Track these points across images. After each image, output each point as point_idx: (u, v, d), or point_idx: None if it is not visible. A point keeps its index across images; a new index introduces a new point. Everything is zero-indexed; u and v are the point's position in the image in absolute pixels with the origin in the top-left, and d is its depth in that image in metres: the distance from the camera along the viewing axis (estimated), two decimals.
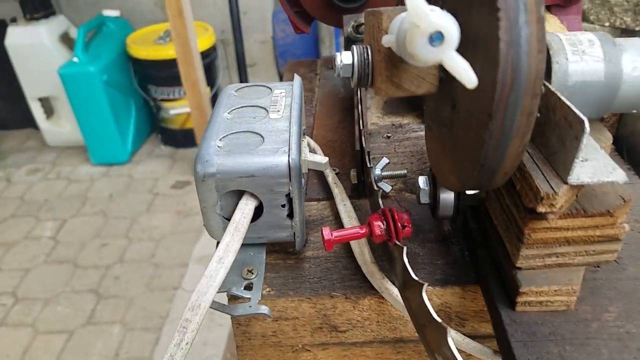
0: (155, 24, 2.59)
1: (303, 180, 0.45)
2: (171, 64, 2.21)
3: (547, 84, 0.35)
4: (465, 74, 0.27)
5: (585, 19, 1.05)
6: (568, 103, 0.32)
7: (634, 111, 0.41)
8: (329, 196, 0.54)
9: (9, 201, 2.32)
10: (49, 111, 2.59)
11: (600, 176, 0.31)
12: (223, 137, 0.43)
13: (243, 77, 2.58)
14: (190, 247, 1.99)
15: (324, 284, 0.44)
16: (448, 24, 0.27)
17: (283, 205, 0.42)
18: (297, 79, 0.53)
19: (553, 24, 0.62)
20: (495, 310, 0.38)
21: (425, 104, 0.44)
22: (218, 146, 0.42)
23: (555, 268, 0.36)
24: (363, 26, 0.67)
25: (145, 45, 2.38)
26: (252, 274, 0.44)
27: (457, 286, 0.43)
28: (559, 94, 0.33)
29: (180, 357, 0.35)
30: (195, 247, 1.99)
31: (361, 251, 0.45)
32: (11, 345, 1.64)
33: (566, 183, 0.32)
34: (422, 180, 0.44)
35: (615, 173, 0.31)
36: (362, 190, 0.54)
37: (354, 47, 0.37)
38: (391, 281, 0.42)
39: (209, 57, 2.42)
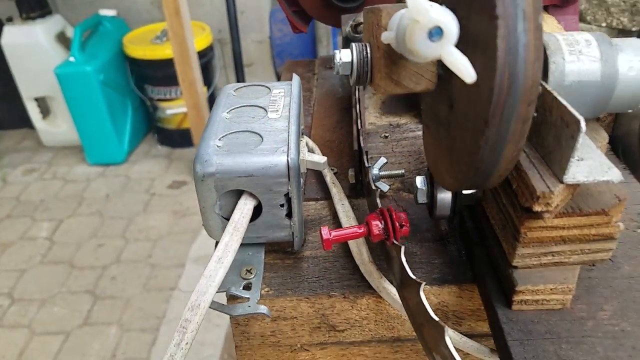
0: (151, 23, 2.59)
1: (302, 180, 0.45)
2: (168, 63, 2.20)
3: (544, 83, 0.35)
4: (464, 69, 0.27)
5: (582, 19, 1.06)
6: (564, 103, 0.32)
7: (630, 111, 0.41)
8: (327, 196, 0.54)
9: (4, 201, 2.31)
10: (45, 111, 2.59)
11: (595, 175, 0.31)
12: (222, 137, 0.43)
13: (240, 77, 2.58)
14: (187, 248, 1.98)
15: (322, 284, 0.45)
16: (447, 19, 0.27)
17: (282, 205, 0.42)
18: (295, 78, 0.53)
19: (550, 23, 0.62)
20: (492, 309, 0.39)
21: (422, 102, 0.45)
22: (217, 146, 0.42)
23: (551, 267, 0.36)
24: (361, 25, 0.67)
25: (142, 45, 2.38)
26: (251, 273, 0.44)
27: (454, 285, 0.43)
28: (555, 94, 0.33)
29: (180, 357, 0.35)
30: (192, 247, 1.99)
31: (359, 251, 0.45)
32: (7, 347, 1.64)
33: (562, 182, 0.32)
34: (419, 180, 0.45)
35: (611, 172, 0.31)
36: (360, 189, 0.55)
37: (353, 44, 0.37)
38: (389, 280, 0.43)
39: (205, 57, 2.42)
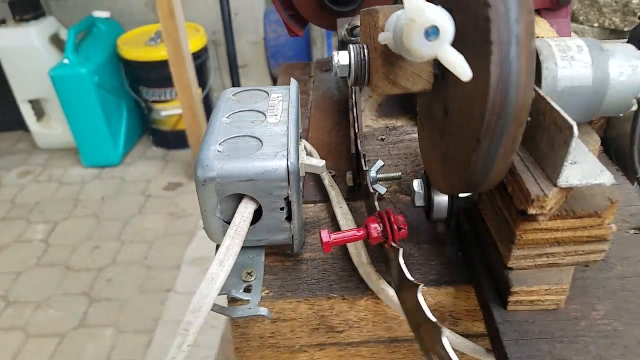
0: (145, 24, 2.58)
1: (300, 184, 0.46)
2: (162, 65, 2.20)
3: (537, 88, 0.36)
4: (460, 68, 0.28)
5: (574, 19, 1.07)
6: (557, 108, 0.33)
7: (621, 114, 0.42)
8: (325, 198, 0.55)
9: None
10: (39, 113, 2.58)
11: (588, 179, 0.32)
12: (222, 142, 0.44)
13: (234, 78, 2.58)
14: (183, 249, 1.98)
15: (322, 286, 0.45)
16: (443, 19, 0.28)
17: (282, 209, 0.43)
18: (293, 83, 0.53)
19: (543, 27, 0.63)
20: (488, 310, 0.39)
21: (419, 101, 0.46)
22: (218, 150, 0.43)
23: (545, 268, 0.37)
24: (357, 29, 0.68)
25: (136, 47, 2.38)
26: (251, 276, 0.45)
27: (451, 286, 0.44)
28: (548, 99, 0.34)
29: (182, 359, 0.36)
30: (187, 249, 1.99)
31: (358, 253, 0.46)
32: (2, 349, 1.63)
33: (556, 185, 0.33)
34: (416, 184, 0.45)
35: (603, 175, 0.32)
36: (357, 192, 0.55)
37: (351, 46, 0.38)
38: (387, 282, 0.43)
39: (200, 58, 2.42)
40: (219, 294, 0.39)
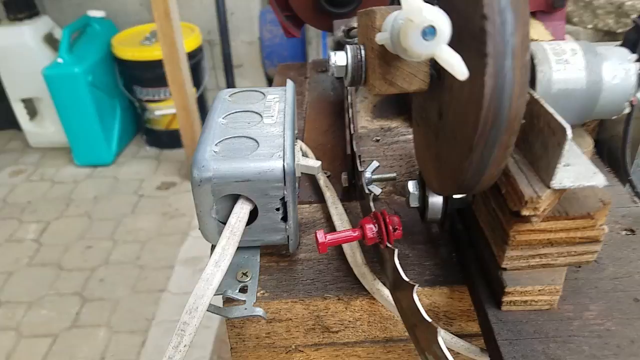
0: (140, 24, 2.57)
1: (296, 184, 0.46)
2: (157, 64, 2.19)
3: (532, 91, 0.36)
4: (457, 67, 0.28)
5: (568, 20, 1.07)
6: (551, 110, 0.33)
7: (614, 117, 0.42)
8: (320, 199, 0.55)
9: None
10: (32, 112, 2.56)
11: (581, 180, 0.33)
12: (219, 142, 0.44)
13: (229, 78, 2.58)
14: (176, 249, 1.98)
15: (317, 286, 0.45)
16: (440, 19, 0.28)
17: (277, 209, 0.43)
18: (289, 84, 0.54)
19: (538, 29, 0.64)
20: (482, 310, 0.40)
21: (413, 100, 0.46)
22: (214, 151, 0.43)
23: (539, 268, 0.38)
24: (353, 30, 0.68)
25: (131, 46, 2.37)
26: (247, 276, 0.45)
27: (445, 286, 0.44)
28: (542, 102, 0.34)
29: (179, 359, 0.36)
30: (180, 249, 1.98)
31: (353, 253, 0.46)
32: None
33: (549, 187, 0.33)
34: (411, 185, 0.46)
35: (596, 177, 0.33)
36: (352, 193, 0.55)
37: (348, 46, 0.38)
38: (382, 282, 0.44)
39: (195, 58, 2.42)
40: (214, 295, 0.39)
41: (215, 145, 0.44)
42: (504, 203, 0.36)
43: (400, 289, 0.38)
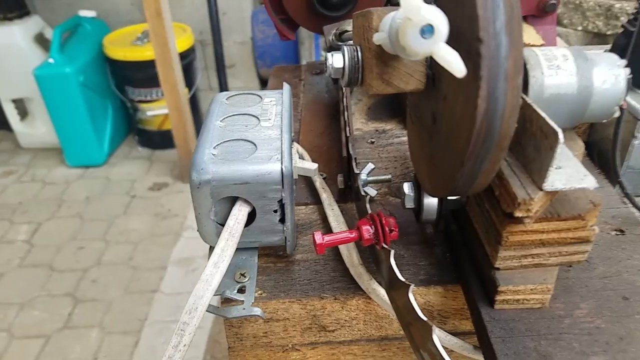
0: (132, 24, 2.57)
1: (294, 186, 0.47)
2: (149, 65, 2.19)
3: (524, 96, 0.37)
4: (455, 64, 0.29)
5: (559, 23, 1.09)
6: (543, 115, 0.34)
7: (604, 121, 0.43)
8: (316, 200, 0.56)
9: None
10: (22, 113, 2.54)
11: (572, 183, 0.33)
12: (217, 145, 0.45)
13: (222, 79, 2.58)
14: (169, 250, 1.98)
15: (314, 286, 0.46)
16: (438, 18, 0.29)
17: (275, 211, 0.44)
18: (286, 87, 0.54)
19: (529, 34, 0.65)
20: (476, 308, 0.40)
21: (408, 97, 0.47)
22: (212, 154, 0.43)
23: (531, 268, 0.39)
24: (346, 33, 0.69)
25: (123, 46, 2.36)
26: (245, 277, 0.46)
27: (440, 286, 0.45)
28: (535, 106, 0.35)
29: (178, 359, 0.37)
30: (173, 249, 1.98)
31: (349, 254, 0.47)
32: None
33: (541, 189, 0.34)
34: (407, 187, 0.46)
35: (587, 180, 0.34)
36: (348, 194, 0.56)
37: (345, 47, 0.39)
38: (378, 282, 0.44)
39: (187, 58, 2.41)
40: (213, 295, 0.40)
41: (214, 148, 0.44)
42: (497, 205, 0.37)
43: (395, 289, 0.38)
